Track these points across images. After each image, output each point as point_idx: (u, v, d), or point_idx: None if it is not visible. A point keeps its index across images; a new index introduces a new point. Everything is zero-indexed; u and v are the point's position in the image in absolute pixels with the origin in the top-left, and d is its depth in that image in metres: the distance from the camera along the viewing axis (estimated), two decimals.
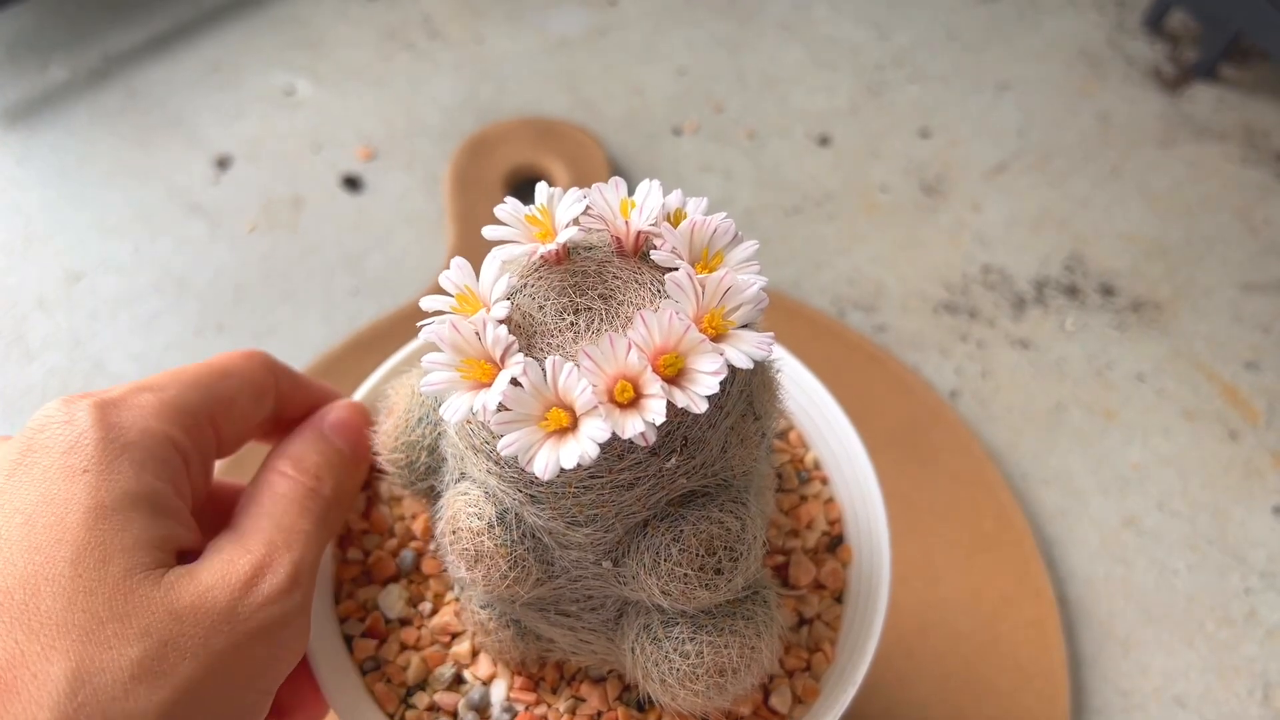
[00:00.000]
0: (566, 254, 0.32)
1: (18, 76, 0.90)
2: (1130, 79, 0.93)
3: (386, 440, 0.39)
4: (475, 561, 0.34)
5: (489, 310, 0.29)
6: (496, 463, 0.31)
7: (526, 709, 0.40)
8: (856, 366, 0.71)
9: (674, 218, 0.32)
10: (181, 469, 0.36)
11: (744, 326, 0.30)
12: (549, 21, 0.97)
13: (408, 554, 0.43)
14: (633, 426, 0.28)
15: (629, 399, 0.28)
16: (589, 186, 0.32)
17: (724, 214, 0.32)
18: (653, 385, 0.28)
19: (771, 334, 0.30)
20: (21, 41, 0.93)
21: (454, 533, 0.34)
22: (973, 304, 0.76)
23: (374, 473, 0.44)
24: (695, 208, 0.32)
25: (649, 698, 0.39)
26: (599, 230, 0.32)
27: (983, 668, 0.59)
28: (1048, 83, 0.93)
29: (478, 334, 0.29)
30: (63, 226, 0.80)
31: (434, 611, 0.42)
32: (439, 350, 0.29)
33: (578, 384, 0.28)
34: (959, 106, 0.91)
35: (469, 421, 0.32)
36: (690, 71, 0.93)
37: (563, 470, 0.28)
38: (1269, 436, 0.70)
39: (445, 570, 0.42)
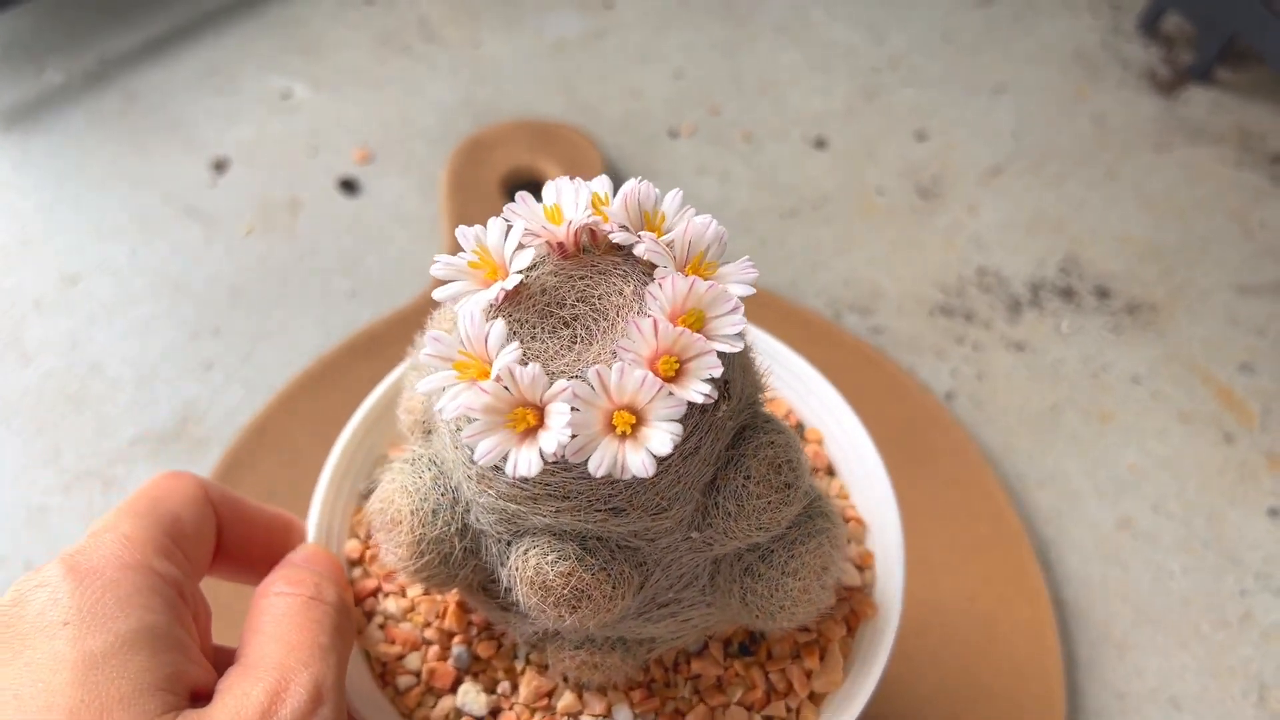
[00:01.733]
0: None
1: (14, 80, 0.90)
2: (1125, 82, 0.93)
3: (405, 551, 0.37)
4: (579, 601, 0.33)
5: (496, 359, 0.29)
6: (565, 498, 0.31)
7: (657, 716, 0.41)
8: (852, 369, 0.71)
9: (598, 202, 0.32)
10: (176, 599, 0.33)
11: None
12: (545, 24, 0.97)
13: (459, 650, 0.42)
14: (695, 391, 0.29)
15: (675, 370, 0.29)
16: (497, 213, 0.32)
17: (638, 178, 0.32)
18: (697, 344, 0.29)
19: (746, 256, 0.32)
20: (18, 45, 0.93)
21: (544, 588, 0.33)
22: (969, 306, 0.77)
23: (368, 599, 0.44)
24: (603, 185, 0.33)
25: (750, 637, 0.42)
26: (531, 246, 0.33)
27: (979, 670, 0.59)
28: (1043, 86, 0.93)
29: (506, 388, 0.29)
30: (59, 229, 0.80)
31: (515, 686, 0.42)
32: (474, 419, 0.29)
33: (633, 377, 0.28)
34: (955, 109, 0.91)
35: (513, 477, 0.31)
36: (687, 74, 0.93)
37: (659, 460, 0.28)
38: (1264, 439, 0.70)
39: (501, 644, 0.42)
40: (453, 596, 0.43)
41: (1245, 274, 0.79)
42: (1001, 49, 0.96)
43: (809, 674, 0.42)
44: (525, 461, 0.28)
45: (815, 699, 0.42)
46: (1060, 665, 0.58)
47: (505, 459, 0.29)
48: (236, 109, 0.89)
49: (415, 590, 0.43)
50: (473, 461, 0.32)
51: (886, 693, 0.58)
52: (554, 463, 0.30)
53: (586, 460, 0.29)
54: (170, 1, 0.97)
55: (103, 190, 0.82)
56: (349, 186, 0.83)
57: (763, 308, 0.73)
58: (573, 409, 0.28)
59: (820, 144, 0.88)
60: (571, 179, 0.33)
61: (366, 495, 0.46)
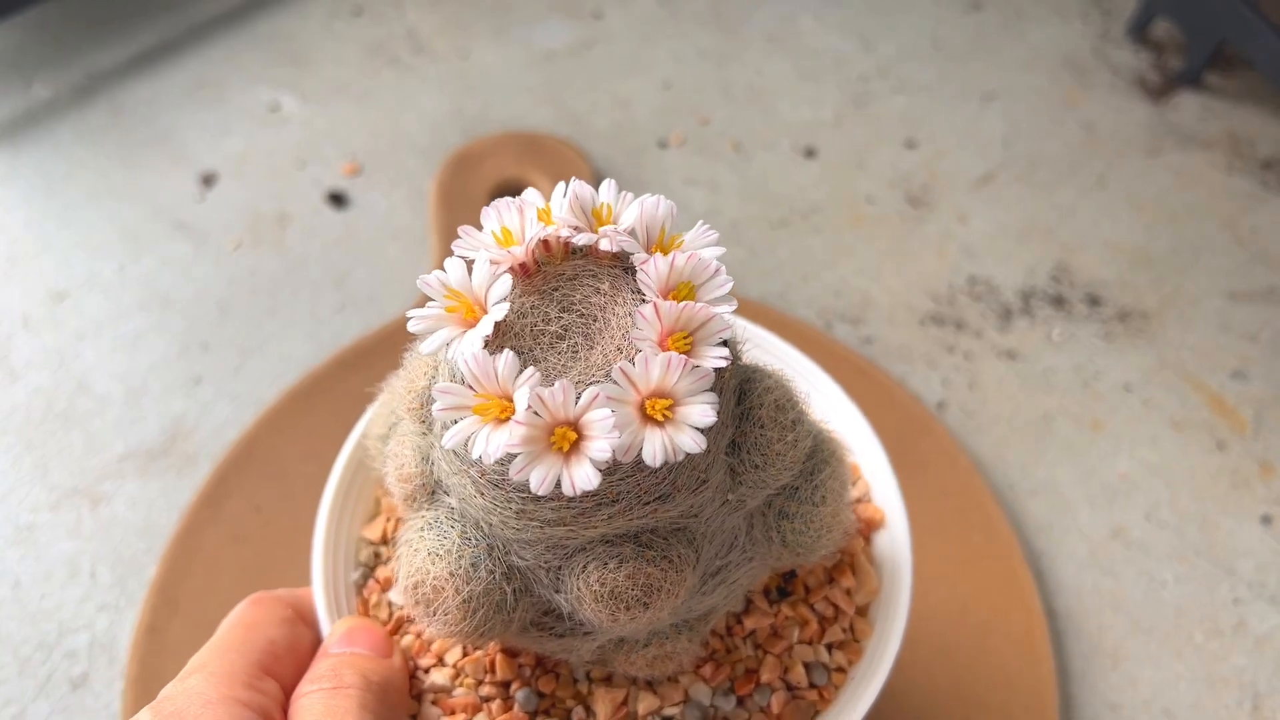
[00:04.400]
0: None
1: (1, 95, 0.90)
2: (1115, 88, 0.93)
3: (456, 614, 0.35)
4: (650, 596, 0.33)
5: (517, 389, 0.29)
6: (615, 501, 0.31)
7: (733, 683, 0.41)
8: (843, 379, 0.70)
9: (543, 215, 0.33)
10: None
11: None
12: (534, 35, 0.97)
13: (522, 694, 0.41)
14: (714, 358, 0.29)
15: (688, 345, 0.30)
16: (449, 255, 0.32)
17: (572, 178, 0.33)
18: (700, 313, 0.30)
19: (701, 220, 0.33)
20: (4, 59, 0.93)
21: (613, 596, 0.33)
22: (959, 315, 0.76)
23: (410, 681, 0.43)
24: (538, 198, 0.33)
25: (783, 579, 0.44)
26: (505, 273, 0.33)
27: (971, 681, 0.58)
28: (1033, 93, 0.93)
29: (537, 414, 0.29)
30: (47, 245, 0.79)
31: (589, 709, 0.41)
32: (516, 454, 0.29)
33: (658, 363, 0.29)
34: (944, 117, 0.91)
35: (559, 500, 0.31)
36: (676, 84, 0.93)
37: (704, 432, 0.29)
38: (1256, 446, 0.70)
39: (559, 674, 0.42)
40: (495, 647, 0.42)
41: (1236, 280, 0.79)
42: (991, 56, 0.96)
43: (849, 592, 0.44)
44: (582, 477, 0.28)
45: (862, 612, 0.44)
46: (1053, 676, 0.58)
47: (560, 482, 0.29)
48: (225, 122, 0.88)
49: (454, 655, 0.43)
50: (509, 501, 0.32)
51: (876, 706, 0.58)
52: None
53: (638, 457, 0.29)
54: (157, 15, 0.97)
55: (90, 205, 0.82)
56: (338, 200, 0.83)
57: (753, 318, 0.72)
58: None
59: (810, 153, 0.88)
60: (504, 198, 0.33)
61: (363, 583, 0.45)
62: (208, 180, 0.84)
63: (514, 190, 0.81)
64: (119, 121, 0.88)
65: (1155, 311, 0.77)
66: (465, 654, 0.42)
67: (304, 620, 0.42)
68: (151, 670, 0.57)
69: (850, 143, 0.88)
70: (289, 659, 0.39)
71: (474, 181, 0.80)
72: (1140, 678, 0.60)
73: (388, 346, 0.71)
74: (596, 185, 0.33)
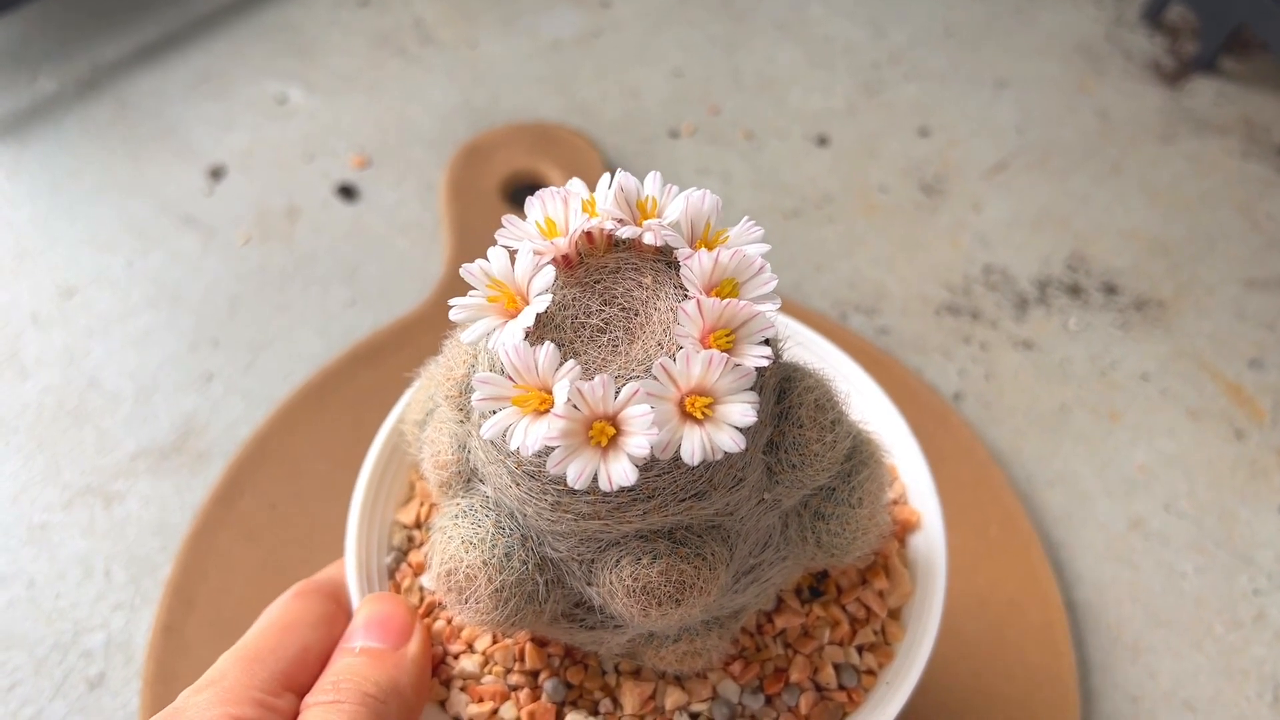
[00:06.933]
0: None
1: (6, 88, 0.89)
2: (1129, 73, 0.92)
3: (488, 603, 0.35)
4: (682, 593, 0.33)
5: (556, 382, 0.29)
6: (650, 498, 0.31)
7: (761, 681, 0.41)
8: None
9: (587, 206, 0.33)
10: None
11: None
12: (542, 24, 0.96)
13: (550, 685, 0.41)
14: (756, 356, 0.29)
15: (730, 343, 0.29)
16: (494, 245, 0.32)
17: (616, 169, 0.33)
18: (743, 311, 0.29)
19: (746, 216, 0.32)
20: (9, 53, 0.92)
21: (645, 591, 0.33)
22: (975, 305, 0.76)
23: (439, 667, 0.42)
24: (583, 188, 0.33)
25: (816, 579, 0.44)
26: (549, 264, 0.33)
27: (990, 674, 0.58)
28: (1046, 79, 0.92)
29: (576, 407, 0.28)
30: (54, 241, 0.79)
31: (616, 701, 0.41)
32: (555, 447, 0.28)
33: (699, 360, 0.28)
34: (957, 105, 0.90)
35: (594, 494, 0.31)
36: (686, 73, 0.92)
37: (744, 432, 0.29)
38: (1274, 435, 0.69)
39: (588, 666, 0.42)
40: (525, 636, 0.42)
41: (1253, 267, 0.78)
42: (1004, 42, 0.95)
43: (881, 594, 0.43)
44: (620, 472, 0.28)
45: (895, 615, 0.44)
46: (1074, 669, 0.58)
47: (597, 477, 0.28)
48: (231, 115, 0.88)
49: (483, 642, 0.42)
50: (545, 493, 0.31)
51: None
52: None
53: (676, 454, 0.28)
54: (162, 7, 0.96)
55: (98, 200, 0.82)
56: (347, 193, 0.83)
57: None
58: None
59: (822, 141, 0.87)
60: (549, 189, 0.33)
61: (395, 566, 0.45)
62: (215, 174, 0.84)
63: (525, 182, 0.81)
64: (125, 115, 0.88)
65: (1171, 300, 0.76)
66: (495, 641, 0.42)
67: (346, 614, 0.41)
68: (169, 670, 0.57)
69: (862, 131, 0.88)
70: (319, 667, 0.39)
71: (485, 173, 0.79)
72: (1160, 670, 0.60)
73: (400, 341, 0.70)
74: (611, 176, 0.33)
